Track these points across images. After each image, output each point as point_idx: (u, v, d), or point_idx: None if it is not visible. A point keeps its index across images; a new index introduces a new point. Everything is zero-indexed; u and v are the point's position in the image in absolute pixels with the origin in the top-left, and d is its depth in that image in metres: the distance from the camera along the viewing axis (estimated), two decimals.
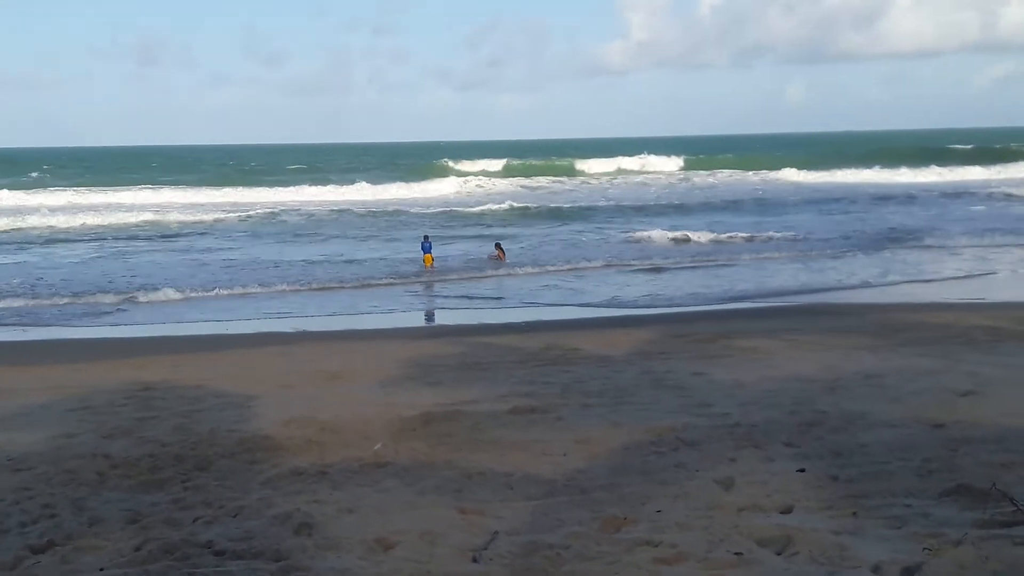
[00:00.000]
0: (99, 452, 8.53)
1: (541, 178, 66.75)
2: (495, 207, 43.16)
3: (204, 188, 56.83)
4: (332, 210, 42.74)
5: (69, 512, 6.97)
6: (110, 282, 22.67)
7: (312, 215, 41.31)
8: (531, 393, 10.63)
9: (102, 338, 16.56)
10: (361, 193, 53.35)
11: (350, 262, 26.44)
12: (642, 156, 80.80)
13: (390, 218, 39.96)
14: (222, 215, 40.59)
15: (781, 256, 26.53)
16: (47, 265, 26.70)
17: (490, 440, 8.68)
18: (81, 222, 38.05)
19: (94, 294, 20.90)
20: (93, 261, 27.77)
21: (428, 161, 79.69)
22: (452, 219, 39.50)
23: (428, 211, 41.98)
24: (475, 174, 67.50)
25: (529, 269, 24.80)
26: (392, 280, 23.35)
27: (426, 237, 26.69)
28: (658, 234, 30.60)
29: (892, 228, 31.73)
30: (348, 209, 42.97)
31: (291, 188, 55.75)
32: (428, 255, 25.53)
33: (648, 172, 74.12)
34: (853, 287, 20.76)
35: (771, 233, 30.55)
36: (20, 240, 33.54)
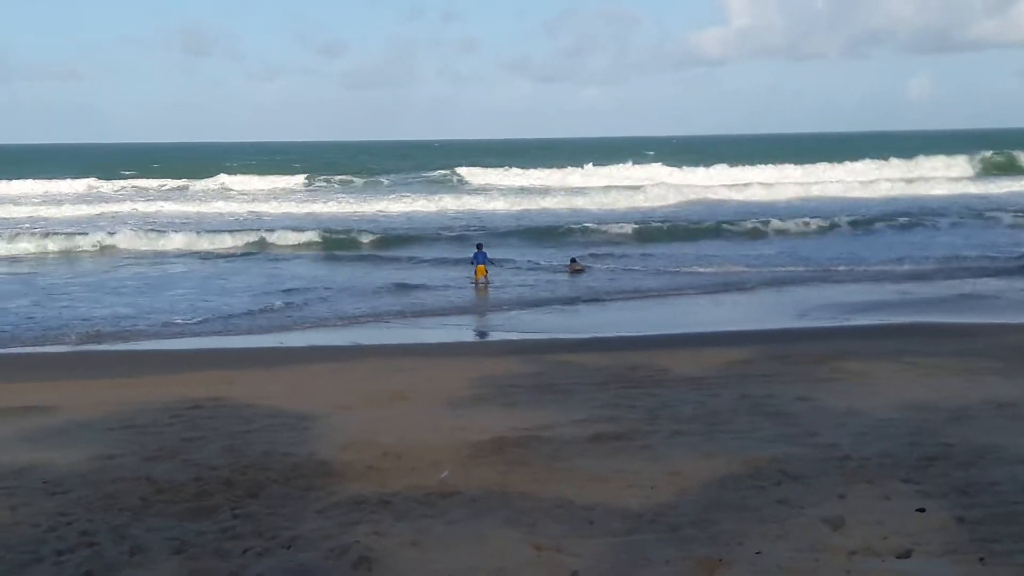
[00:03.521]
0: (142, 475, 8.70)
1: None
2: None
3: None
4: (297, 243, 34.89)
5: (109, 540, 7.11)
6: None
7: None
8: (614, 418, 10.58)
9: (146, 350, 16.91)
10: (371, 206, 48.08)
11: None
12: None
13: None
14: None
15: None
16: None
17: (569, 469, 8.66)
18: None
19: None
20: None
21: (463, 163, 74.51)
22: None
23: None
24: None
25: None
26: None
27: (479, 246, 25.86)
28: None
29: None
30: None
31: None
32: (481, 266, 24.62)
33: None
34: (981, 304, 20.33)
35: None
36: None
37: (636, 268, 27.41)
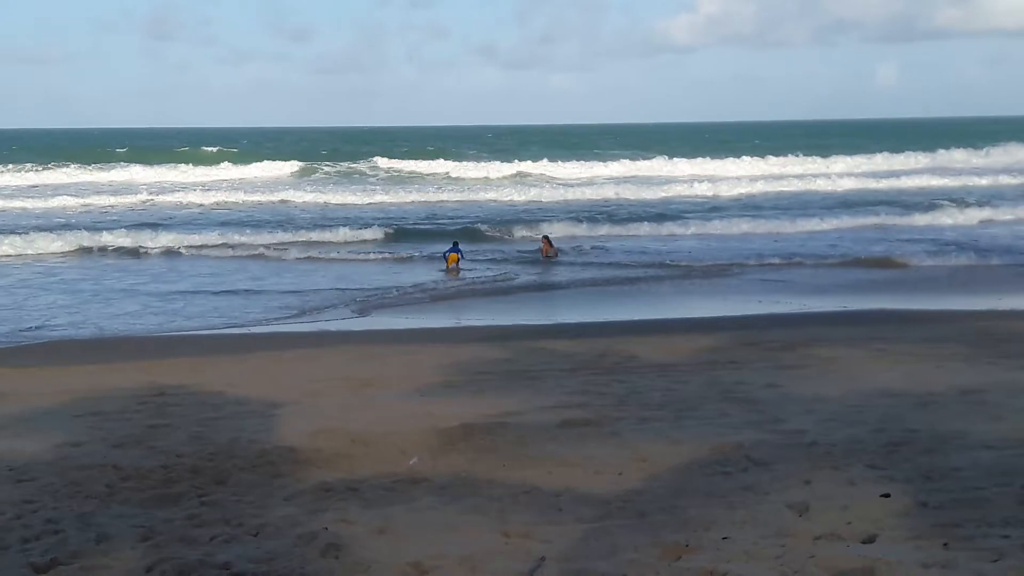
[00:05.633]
0: (108, 462, 8.65)
1: None
2: None
3: None
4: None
5: (75, 528, 7.07)
6: None
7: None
8: (583, 404, 10.62)
9: (113, 337, 16.77)
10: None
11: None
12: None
13: None
14: None
15: None
16: None
17: (538, 456, 8.69)
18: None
19: None
20: None
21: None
22: None
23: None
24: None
25: None
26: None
27: (455, 243, 26.32)
28: None
29: None
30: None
31: None
32: (454, 254, 25.17)
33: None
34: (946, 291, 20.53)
35: None
36: None
37: (599, 260, 26.97)
